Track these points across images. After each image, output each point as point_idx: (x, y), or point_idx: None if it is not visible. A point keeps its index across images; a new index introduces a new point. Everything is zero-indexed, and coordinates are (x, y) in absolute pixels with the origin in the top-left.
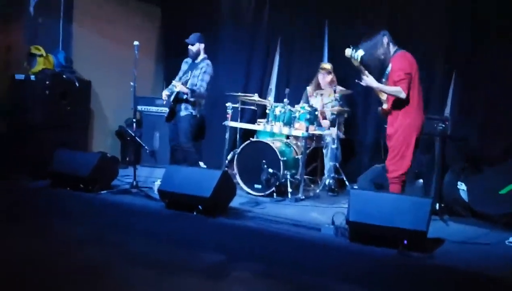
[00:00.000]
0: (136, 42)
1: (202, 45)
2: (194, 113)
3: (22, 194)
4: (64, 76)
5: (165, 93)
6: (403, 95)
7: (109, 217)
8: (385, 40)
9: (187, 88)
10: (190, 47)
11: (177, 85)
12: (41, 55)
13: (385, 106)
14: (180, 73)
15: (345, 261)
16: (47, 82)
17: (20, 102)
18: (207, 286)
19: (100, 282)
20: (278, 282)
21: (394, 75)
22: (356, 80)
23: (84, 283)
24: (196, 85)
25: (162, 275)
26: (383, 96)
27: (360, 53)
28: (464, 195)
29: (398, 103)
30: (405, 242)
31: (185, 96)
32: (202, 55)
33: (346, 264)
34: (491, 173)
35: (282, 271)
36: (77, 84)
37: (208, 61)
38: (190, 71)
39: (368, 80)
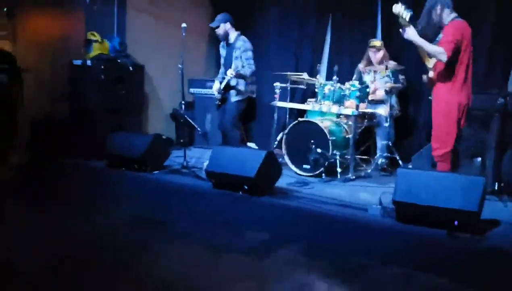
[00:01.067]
0: (184, 25)
1: (228, 24)
2: (242, 98)
3: (80, 174)
4: (118, 61)
5: (216, 86)
6: (443, 57)
7: (159, 196)
8: (439, 5)
9: (235, 72)
10: (216, 30)
11: (228, 74)
12: (96, 41)
13: (431, 74)
14: (221, 60)
15: (390, 243)
16: (102, 67)
17: (78, 87)
18: (250, 264)
19: (146, 258)
20: (322, 263)
21: (441, 40)
22: (400, 30)
23: (131, 259)
24: (243, 67)
25: (207, 253)
26: (430, 64)
27: (409, 13)
28: None
29: (443, 76)
30: (456, 223)
31: (232, 82)
32: (234, 34)
33: (391, 245)
34: None
35: (326, 252)
36: (131, 69)
37: (243, 37)
38: (229, 55)
39: (410, 32)
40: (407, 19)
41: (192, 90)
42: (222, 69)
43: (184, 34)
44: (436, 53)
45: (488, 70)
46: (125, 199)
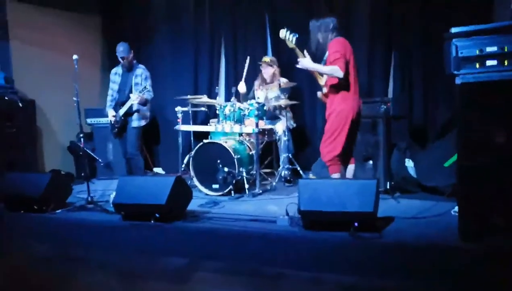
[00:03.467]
0: (75, 56)
1: (132, 53)
2: (144, 124)
3: None
4: (6, 98)
5: (111, 114)
6: (340, 74)
7: (66, 236)
8: (329, 26)
9: (144, 97)
10: (124, 60)
11: (133, 98)
12: None
13: (324, 90)
14: (114, 86)
15: (300, 249)
16: None
17: None
18: (172, 289)
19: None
20: (240, 277)
21: (330, 58)
22: (296, 65)
23: None
24: (145, 87)
25: (126, 283)
26: (322, 81)
27: (295, 36)
28: (412, 172)
29: (335, 88)
30: (356, 224)
31: (135, 107)
32: (133, 62)
33: (301, 252)
34: (435, 147)
35: (243, 266)
36: (21, 105)
37: (142, 65)
38: (128, 81)
39: (304, 61)
40: (294, 42)
41: (89, 120)
42: (114, 96)
43: (76, 66)
44: (332, 72)
45: (370, 81)
46: (32, 241)
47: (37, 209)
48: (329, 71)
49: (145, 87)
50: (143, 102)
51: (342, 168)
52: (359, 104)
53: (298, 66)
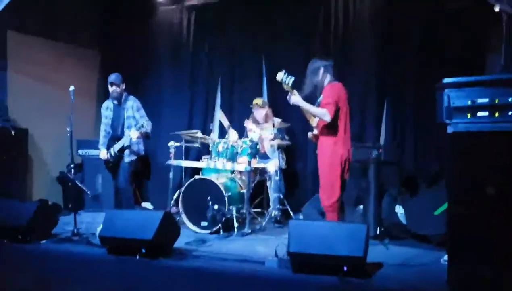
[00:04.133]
0: (71, 88)
1: (123, 85)
2: (135, 158)
3: None
4: None
5: (103, 154)
6: (328, 118)
7: (49, 267)
8: (322, 69)
9: (143, 132)
10: (114, 88)
11: (133, 135)
12: None
13: (315, 132)
14: (107, 121)
15: None
16: None
17: None
18: None
19: None
20: None
21: (323, 101)
22: (287, 97)
23: None
24: (142, 125)
25: None
26: (313, 123)
27: (291, 79)
28: (402, 218)
29: (325, 131)
30: (345, 268)
31: (127, 143)
32: (124, 94)
33: None
34: (426, 195)
35: None
36: (13, 133)
37: (132, 96)
38: (120, 115)
39: (295, 98)
40: (290, 84)
41: (80, 151)
42: (108, 130)
43: (72, 97)
44: (321, 115)
45: (362, 126)
46: (12, 273)
47: (21, 239)
48: (317, 112)
49: (142, 125)
50: (145, 136)
51: (340, 214)
52: (349, 149)
53: (289, 101)
